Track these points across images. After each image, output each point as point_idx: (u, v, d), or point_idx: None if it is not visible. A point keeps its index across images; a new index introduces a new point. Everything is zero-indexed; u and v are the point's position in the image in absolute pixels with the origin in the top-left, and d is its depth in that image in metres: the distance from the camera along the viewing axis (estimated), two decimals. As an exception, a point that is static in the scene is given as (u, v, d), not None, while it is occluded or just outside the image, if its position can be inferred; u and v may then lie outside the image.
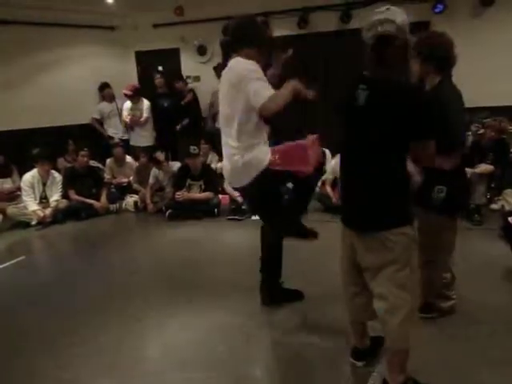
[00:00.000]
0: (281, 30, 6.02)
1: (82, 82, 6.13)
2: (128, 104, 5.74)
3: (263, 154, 2.06)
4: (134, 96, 5.67)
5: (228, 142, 2.11)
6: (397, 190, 1.59)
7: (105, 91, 6.08)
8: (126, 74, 6.46)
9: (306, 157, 2.09)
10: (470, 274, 2.80)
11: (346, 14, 5.60)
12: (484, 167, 4.01)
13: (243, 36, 2.07)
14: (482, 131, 4.23)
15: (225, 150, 2.16)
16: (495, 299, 2.52)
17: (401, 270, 1.59)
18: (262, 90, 1.91)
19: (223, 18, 6.05)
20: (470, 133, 4.37)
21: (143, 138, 5.78)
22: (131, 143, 5.88)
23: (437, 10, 5.25)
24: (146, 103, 5.75)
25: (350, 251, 1.74)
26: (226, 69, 2.10)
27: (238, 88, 1.97)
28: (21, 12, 5.52)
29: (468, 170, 3.90)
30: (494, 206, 4.21)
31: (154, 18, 6.41)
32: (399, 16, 1.51)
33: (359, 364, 1.94)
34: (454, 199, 2.09)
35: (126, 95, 5.70)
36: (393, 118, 1.50)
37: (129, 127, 5.87)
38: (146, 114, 5.70)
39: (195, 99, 5.96)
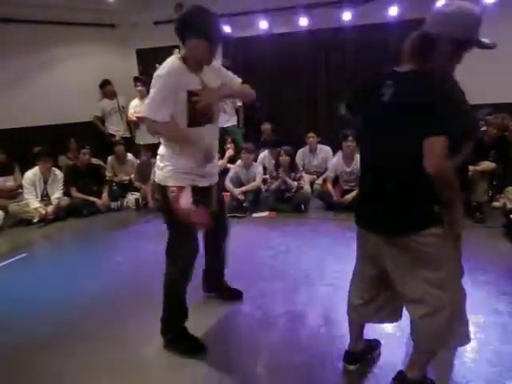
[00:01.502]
0: (282, 27, 6.02)
1: (83, 80, 6.12)
2: (135, 101, 5.71)
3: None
4: (146, 83, 5.63)
5: None
6: (424, 191, 1.49)
7: (106, 88, 6.07)
8: (127, 71, 6.45)
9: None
10: (472, 272, 2.80)
11: (350, 11, 5.57)
12: (486, 164, 3.99)
13: (190, 24, 1.92)
14: (483, 128, 4.21)
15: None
16: (495, 297, 2.51)
17: (436, 270, 1.51)
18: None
19: (224, 14, 6.06)
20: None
21: (147, 135, 5.70)
22: (137, 141, 5.78)
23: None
24: None
25: (373, 259, 1.68)
26: None
27: None
28: (22, 10, 5.51)
29: (470, 168, 3.92)
30: (495, 204, 4.19)
31: (155, 15, 6.40)
32: (462, 16, 1.38)
33: (351, 367, 1.92)
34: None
35: (137, 78, 5.70)
36: (419, 115, 1.41)
37: (133, 126, 5.83)
38: None
39: None
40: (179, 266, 2.12)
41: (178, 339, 2.17)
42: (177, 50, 6.47)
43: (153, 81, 1.94)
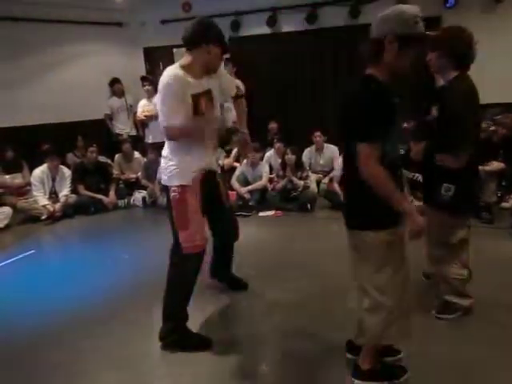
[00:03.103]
0: (289, 25, 6.01)
1: (90, 78, 6.16)
2: (144, 101, 5.73)
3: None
4: (153, 83, 5.65)
5: None
6: (370, 194, 1.54)
7: (115, 86, 6.11)
8: (135, 70, 6.47)
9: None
10: (480, 272, 2.77)
11: (355, 9, 5.54)
12: (495, 165, 3.95)
13: (211, 31, 2.04)
14: (493, 128, 4.16)
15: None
16: (505, 298, 2.49)
17: (376, 272, 1.63)
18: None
19: (231, 13, 6.06)
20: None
21: (157, 134, 5.74)
22: (146, 140, 5.79)
23: (448, 5, 5.18)
24: None
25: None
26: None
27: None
28: (30, 9, 5.56)
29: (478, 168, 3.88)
30: (504, 205, 4.14)
31: (162, 14, 6.41)
32: (395, 15, 1.51)
33: (350, 356, 1.94)
34: (462, 198, 2.06)
35: (145, 78, 5.74)
36: (348, 122, 1.59)
37: (140, 125, 5.86)
38: None
39: None
40: (187, 268, 2.13)
41: (182, 338, 2.17)
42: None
43: (159, 88, 2.00)
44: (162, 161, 2.16)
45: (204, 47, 2.01)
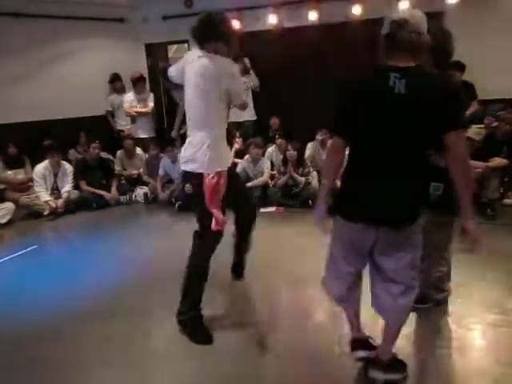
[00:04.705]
0: (292, 21, 5.97)
1: (92, 74, 6.15)
2: (130, 96, 5.75)
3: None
4: (140, 81, 5.69)
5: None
6: (421, 185, 1.65)
7: (115, 83, 6.11)
8: (136, 66, 6.45)
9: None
10: (482, 270, 2.76)
11: (359, 4, 5.49)
12: (498, 161, 3.93)
13: (209, 30, 2.17)
14: (495, 124, 4.14)
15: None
16: (507, 295, 2.48)
17: (417, 255, 1.70)
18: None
19: (233, 9, 6.03)
20: (482, 125, 4.29)
21: (145, 129, 5.80)
22: (134, 135, 5.79)
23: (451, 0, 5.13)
24: (150, 94, 5.82)
25: (361, 243, 1.69)
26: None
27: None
28: (31, 5, 5.55)
29: (481, 164, 3.86)
30: (507, 201, 4.13)
31: (164, 10, 6.39)
32: (411, 10, 1.62)
33: (360, 354, 1.90)
34: (451, 197, 2.00)
35: (135, 78, 5.74)
36: (434, 106, 1.48)
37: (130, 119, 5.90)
38: (152, 103, 5.73)
39: None
40: (209, 249, 2.25)
41: (193, 325, 2.24)
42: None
43: (232, 71, 2.19)
44: (193, 150, 2.19)
45: (212, 45, 2.16)
